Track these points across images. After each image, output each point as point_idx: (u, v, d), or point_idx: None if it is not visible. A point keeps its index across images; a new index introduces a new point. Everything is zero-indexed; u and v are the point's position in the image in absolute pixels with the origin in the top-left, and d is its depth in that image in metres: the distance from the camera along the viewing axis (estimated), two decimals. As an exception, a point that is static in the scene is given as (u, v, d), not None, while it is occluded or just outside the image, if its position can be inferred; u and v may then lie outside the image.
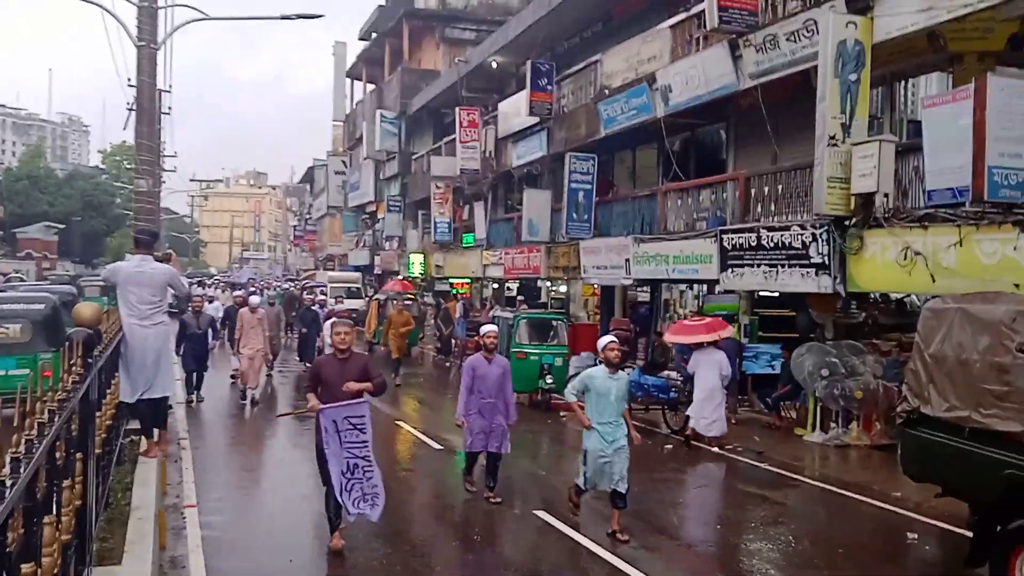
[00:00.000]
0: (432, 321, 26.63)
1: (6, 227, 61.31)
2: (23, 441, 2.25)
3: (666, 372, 14.32)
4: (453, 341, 22.99)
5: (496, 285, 26.86)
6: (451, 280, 29.21)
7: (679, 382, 13.52)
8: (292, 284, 40.07)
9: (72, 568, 3.39)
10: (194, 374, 14.24)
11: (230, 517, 7.63)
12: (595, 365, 15.30)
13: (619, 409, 7.41)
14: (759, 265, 12.47)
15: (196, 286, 30.47)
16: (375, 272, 37.46)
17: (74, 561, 3.46)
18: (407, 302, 21.25)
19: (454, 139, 25.49)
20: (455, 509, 8.54)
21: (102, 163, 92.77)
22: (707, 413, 11.76)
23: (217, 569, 6.10)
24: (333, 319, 7.11)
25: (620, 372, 7.60)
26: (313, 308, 19.40)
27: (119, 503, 5.32)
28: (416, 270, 31.02)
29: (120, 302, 6.64)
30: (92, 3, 12.08)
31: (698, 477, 10.53)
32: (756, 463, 10.93)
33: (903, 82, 12.99)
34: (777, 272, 12.09)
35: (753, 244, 12.58)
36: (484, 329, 9.04)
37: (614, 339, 7.69)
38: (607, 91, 17.13)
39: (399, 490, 8.74)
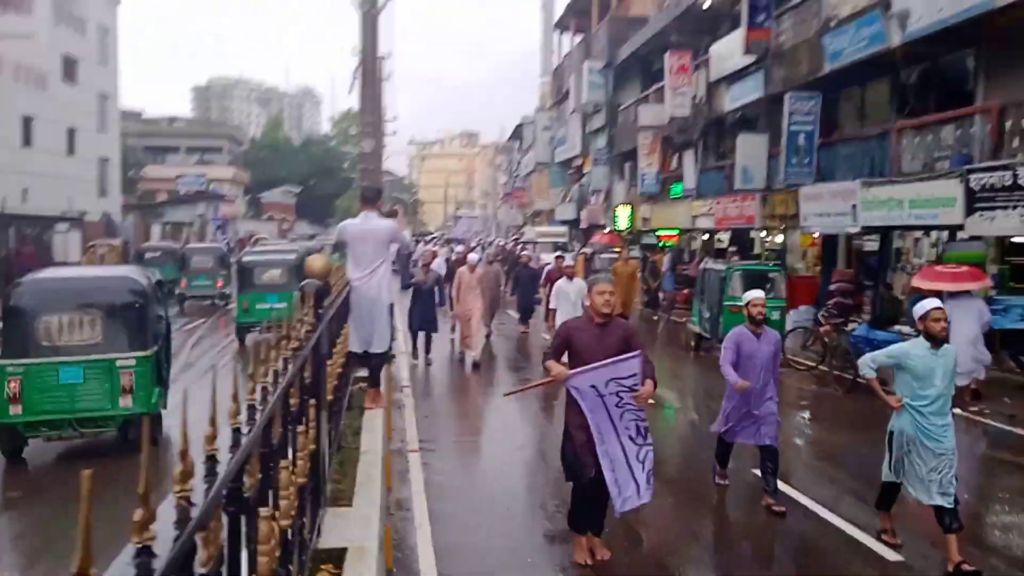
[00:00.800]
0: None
1: (252, 191, 67.88)
2: (258, 388, 2.34)
3: (897, 327, 13.17)
4: (660, 295, 22.54)
5: (706, 237, 25.96)
6: (658, 232, 28.59)
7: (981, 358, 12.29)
8: (507, 241, 40.48)
9: (308, 509, 3.59)
10: (420, 334, 13.49)
11: (450, 464, 7.95)
12: (821, 315, 14.56)
13: (948, 395, 5.65)
14: (1015, 207, 11.01)
15: (416, 240, 31.63)
16: (581, 226, 37.55)
17: (311, 502, 3.67)
18: (632, 255, 19.88)
19: (663, 86, 24.73)
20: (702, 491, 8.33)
21: (331, 130, 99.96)
22: (963, 361, 10.52)
23: (439, 512, 6.36)
24: (593, 277, 5.46)
25: (946, 346, 5.67)
26: (530, 266, 18.63)
27: (349, 447, 5.65)
28: (623, 223, 30.68)
29: (348, 257, 7.02)
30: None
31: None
32: (1008, 427, 9.81)
33: None
34: (1037, 215, 10.63)
35: (1008, 184, 11.12)
36: (749, 296, 7.00)
37: (939, 305, 5.69)
38: (833, 22, 15.74)
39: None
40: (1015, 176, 10.98)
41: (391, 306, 7.27)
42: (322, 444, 3.97)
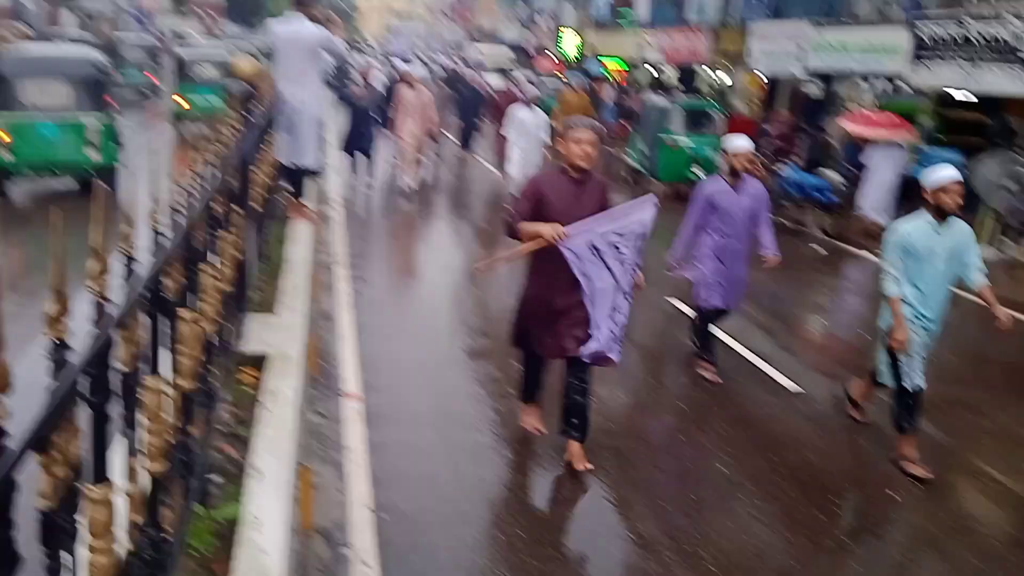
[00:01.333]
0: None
1: (175, -17, 62.77)
2: (184, 193, 2.26)
3: (821, 169, 13.43)
4: (603, 124, 22.35)
5: (653, 71, 25.48)
6: (604, 61, 27.92)
7: (841, 184, 12.69)
8: (453, 60, 38.48)
9: (232, 314, 3.60)
10: (357, 155, 12.61)
11: (377, 278, 8.03)
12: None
13: (948, 280, 4.96)
14: (957, 59, 11.06)
15: (354, 53, 29.78)
16: (526, 51, 36.30)
17: (234, 308, 3.67)
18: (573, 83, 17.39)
19: (622, -99, 23.29)
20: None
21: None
22: (876, 200, 11.57)
23: (364, 324, 6.49)
24: (572, 124, 4.33)
25: (956, 223, 4.83)
26: (477, 89, 16.96)
27: (274, 257, 5.60)
28: (569, 49, 29.76)
29: (275, 63, 6.62)
30: None
31: (846, 282, 10.11)
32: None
33: None
34: (979, 70, 10.71)
35: (953, 36, 11.10)
36: (733, 146, 6.03)
37: (958, 178, 4.78)
38: None
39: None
40: (961, 27, 10.94)
41: (320, 119, 6.96)
42: (247, 251, 3.92)
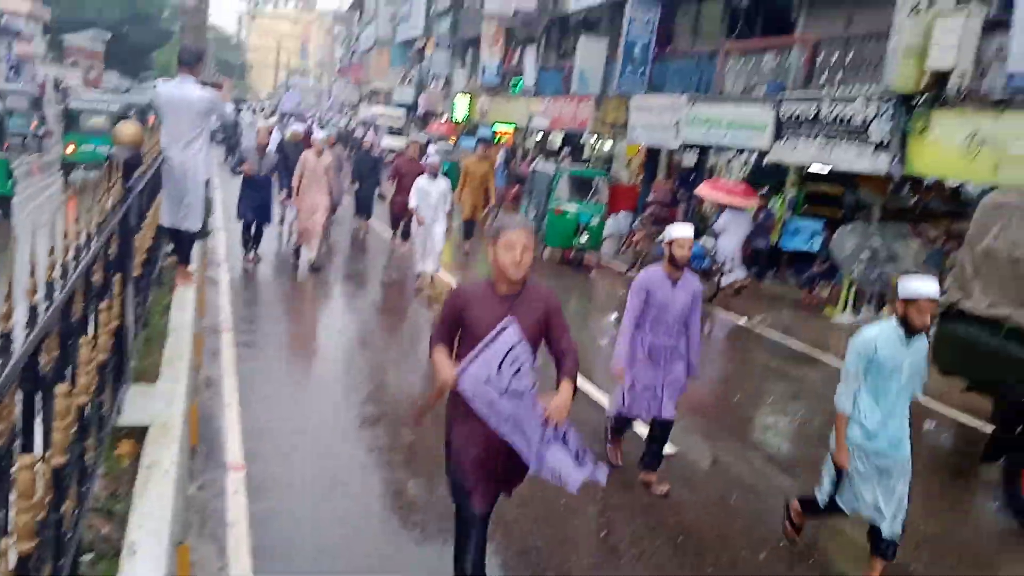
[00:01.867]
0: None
1: (53, 31, 60.65)
2: (58, 265, 2.26)
3: (703, 239, 14.20)
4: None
5: (540, 136, 26.33)
6: (495, 127, 28.67)
7: (714, 252, 13.42)
8: (345, 119, 38.06)
9: (110, 385, 3.52)
10: (251, 227, 11.53)
11: (264, 344, 7.88)
12: (636, 224, 15.43)
13: (909, 397, 4.50)
14: (815, 138, 12.00)
15: (237, 110, 29.24)
16: (419, 112, 36.85)
17: (112, 379, 3.59)
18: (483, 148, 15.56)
19: (511, -24, 24.28)
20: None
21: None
22: (731, 259, 12.89)
23: (249, 391, 6.35)
24: (502, 225, 3.41)
25: (921, 338, 4.40)
26: (372, 154, 16.30)
27: (157, 323, 5.48)
28: (461, 113, 30.42)
29: (162, 125, 6.57)
30: None
31: (721, 347, 10.61)
32: (780, 339, 10.96)
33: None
34: (833, 147, 11.65)
35: (812, 115, 12.06)
36: (675, 233, 5.35)
37: (935, 296, 4.27)
38: (678, -65, 16.01)
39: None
40: (819, 108, 11.90)
41: (207, 181, 6.90)
42: (127, 319, 3.84)
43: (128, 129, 3.84)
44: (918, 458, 4.65)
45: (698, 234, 14.62)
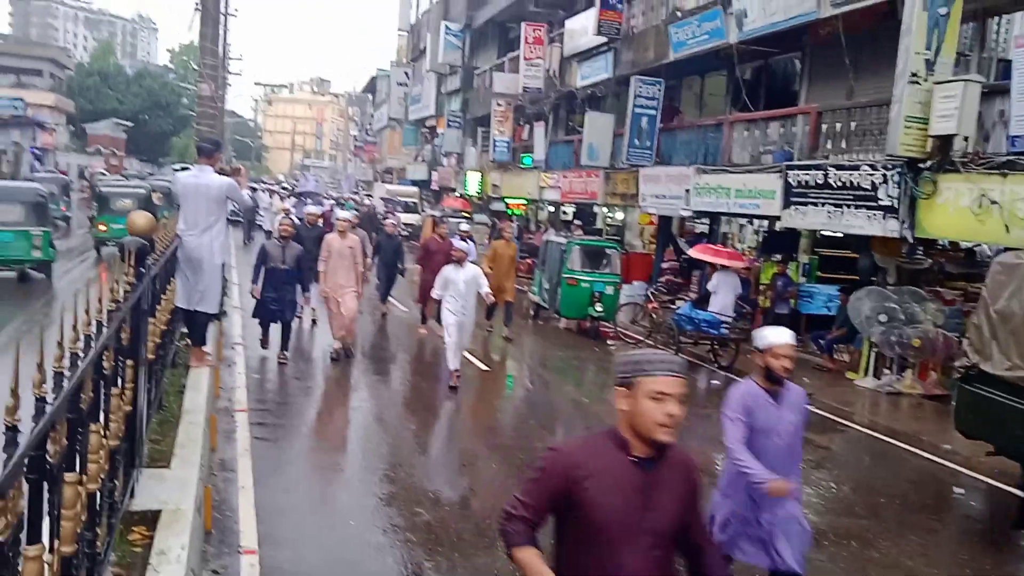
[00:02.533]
0: (485, 240, 26.63)
1: (76, 122, 62.67)
2: (67, 354, 2.28)
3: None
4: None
5: (552, 208, 26.65)
6: (507, 200, 29.06)
7: (730, 318, 13.39)
8: (360, 198, 38.06)
9: (121, 471, 3.51)
10: (272, 324, 10.25)
11: (280, 425, 7.83)
12: (651, 292, 15.53)
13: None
14: (824, 204, 12.07)
15: (251, 189, 29.47)
16: (432, 188, 37.46)
17: (123, 464, 3.58)
18: (505, 229, 15.63)
19: (518, 55, 24.94)
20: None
21: (170, 62, 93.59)
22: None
23: (264, 473, 6.30)
24: (646, 364, 2.50)
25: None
26: (395, 236, 15.25)
27: (171, 406, 5.49)
28: (473, 188, 30.90)
29: (181, 211, 6.74)
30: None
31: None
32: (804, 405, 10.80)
33: (996, 18, 12.19)
34: (843, 212, 11.70)
35: (820, 182, 12.15)
36: (770, 339, 4.08)
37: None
38: (679, 13, 16.46)
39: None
40: (826, 175, 12.00)
41: (224, 265, 7.02)
42: (139, 405, 3.86)
43: (140, 219, 3.93)
44: (947, 525, 4.53)
45: (708, 301, 14.66)
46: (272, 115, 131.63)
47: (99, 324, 2.71)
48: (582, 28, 21.30)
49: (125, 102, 68.08)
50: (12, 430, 1.68)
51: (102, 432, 2.81)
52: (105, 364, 2.91)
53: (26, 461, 1.82)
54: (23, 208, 15.17)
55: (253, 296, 10.13)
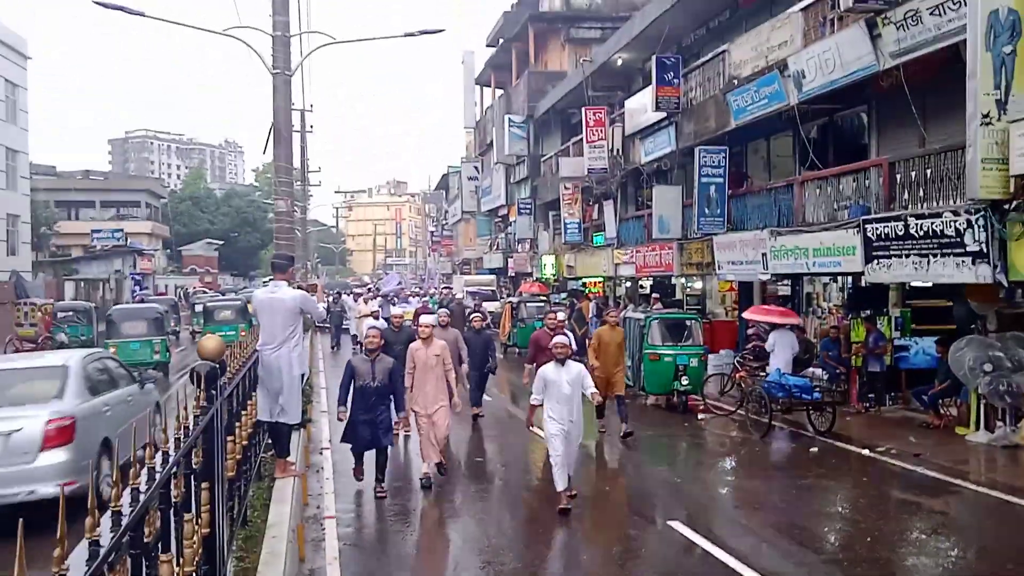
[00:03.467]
0: (565, 321, 26.54)
1: (172, 245, 66.38)
2: (128, 491, 2.33)
3: (810, 370, 13.67)
4: (587, 341, 22.79)
5: (629, 283, 26.50)
6: (583, 280, 29.08)
7: (824, 381, 12.86)
8: (446, 290, 36.79)
9: (201, 595, 3.53)
10: (365, 452, 8.90)
11: (368, 531, 7.78)
12: (738, 360, 15.10)
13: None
14: (908, 255, 11.61)
15: (334, 296, 29.80)
16: (509, 274, 37.88)
17: (204, 588, 3.60)
18: (610, 312, 13.67)
19: (581, 139, 25.35)
20: (591, 520, 8.37)
21: (255, 181, 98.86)
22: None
23: (352, 581, 6.25)
24: None
25: None
26: (483, 330, 13.79)
27: (256, 520, 5.55)
28: (548, 271, 31.11)
29: (259, 327, 6.99)
30: (229, 36, 12.82)
31: (847, 483, 9.90)
32: (912, 467, 10.19)
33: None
34: (929, 262, 11.21)
35: (900, 233, 11.73)
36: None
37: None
38: (736, 81, 16.49)
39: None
40: (906, 226, 11.59)
41: (303, 376, 7.19)
42: (218, 526, 3.91)
43: (210, 344, 4.08)
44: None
45: (805, 365, 14.14)
46: (353, 219, 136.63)
47: (165, 455, 2.77)
48: (641, 106, 21.55)
49: (216, 222, 71.97)
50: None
51: (173, 562, 2.84)
52: (174, 492, 2.97)
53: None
54: (146, 323, 19.95)
55: (340, 419, 8.80)
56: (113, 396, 9.11)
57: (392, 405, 8.83)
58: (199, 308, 27.68)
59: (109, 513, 2.17)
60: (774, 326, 14.31)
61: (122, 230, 53.42)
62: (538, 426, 8.83)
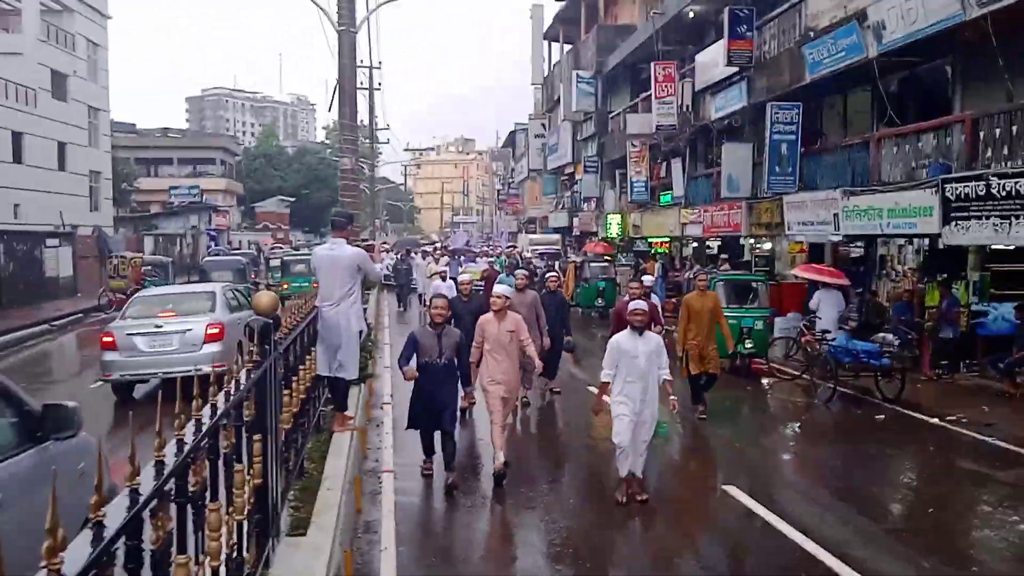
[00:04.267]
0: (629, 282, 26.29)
1: (246, 202, 68.01)
2: (175, 441, 2.40)
3: (881, 335, 13.25)
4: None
5: (696, 244, 26.06)
6: (649, 240, 28.70)
7: (895, 346, 12.46)
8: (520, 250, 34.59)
9: (254, 543, 3.65)
10: (432, 435, 7.74)
11: (425, 485, 7.87)
12: (804, 327, 14.75)
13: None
14: (989, 217, 11.09)
15: (401, 254, 30.54)
16: (574, 234, 37.64)
17: (257, 536, 3.72)
18: (700, 277, 11.50)
19: (650, 95, 24.82)
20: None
21: (326, 139, 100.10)
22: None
23: (407, 535, 6.39)
24: None
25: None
26: (559, 292, 12.27)
27: (313, 472, 5.70)
28: (614, 231, 30.78)
29: (319, 284, 7.12)
30: (295, -6, 12.89)
31: (914, 452, 9.63)
32: (984, 436, 9.85)
33: None
34: (1011, 224, 10.70)
35: (982, 193, 11.20)
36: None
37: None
38: (812, 33, 15.85)
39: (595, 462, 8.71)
40: (988, 186, 11.05)
41: (361, 332, 7.29)
42: (270, 477, 4.02)
43: (264, 299, 4.16)
44: None
45: (876, 329, 13.71)
46: (422, 178, 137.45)
47: (213, 407, 2.85)
48: (712, 60, 20.94)
49: (288, 179, 73.31)
50: (98, 525, 1.76)
51: (222, 511, 2.93)
52: (223, 444, 3.06)
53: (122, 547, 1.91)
54: (232, 272, 22.71)
55: (406, 379, 7.50)
56: (244, 313, 11.98)
57: (455, 383, 7.54)
58: (274, 263, 29.11)
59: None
60: (825, 286, 14.16)
61: (198, 187, 54.99)
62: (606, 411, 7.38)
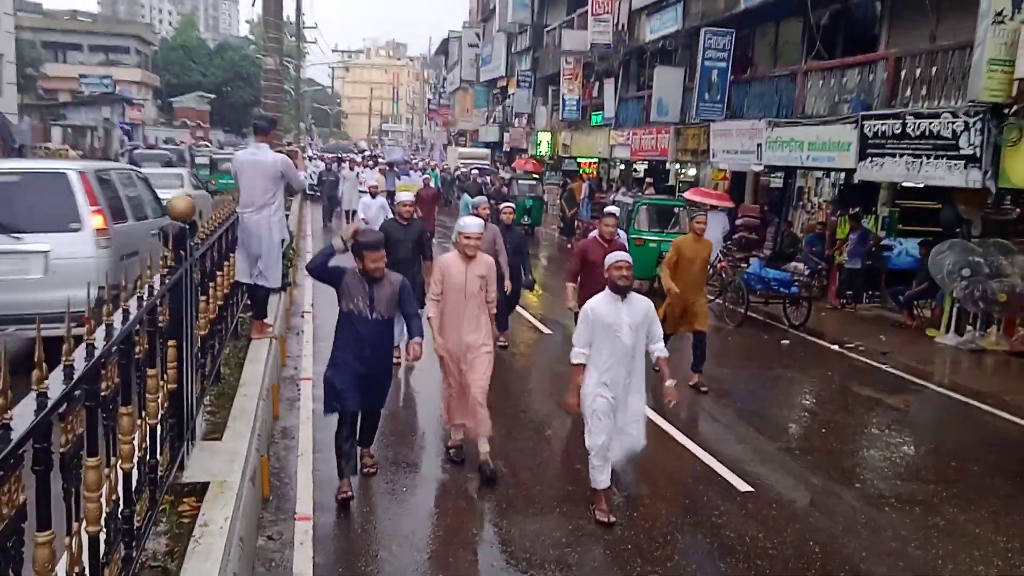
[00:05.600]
0: (556, 201, 26.45)
1: (162, 96, 64.85)
2: (83, 346, 2.38)
3: (792, 264, 13.78)
4: (576, 223, 22.80)
5: (623, 166, 26.25)
6: (578, 160, 28.76)
7: (804, 276, 12.98)
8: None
9: (168, 447, 3.67)
10: (357, 422, 5.62)
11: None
12: (722, 251, 15.19)
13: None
14: (902, 155, 11.51)
15: (327, 163, 30.22)
16: (504, 149, 37.40)
17: (170, 440, 3.74)
18: (698, 219, 9.02)
19: (587, 12, 24.47)
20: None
21: (250, 34, 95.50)
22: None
23: (323, 441, 6.47)
24: None
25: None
26: (514, 227, 10.17)
27: (230, 379, 5.69)
28: (544, 149, 30.72)
29: (239, 189, 6.92)
30: None
31: (813, 376, 10.19)
32: (879, 364, 10.47)
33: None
34: (921, 163, 11.14)
35: (897, 132, 11.58)
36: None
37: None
38: (749, -42, 15.80)
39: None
40: (903, 124, 11.42)
41: (283, 241, 7.17)
42: (185, 382, 4.01)
43: (180, 204, 4.05)
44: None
45: (789, 259, 14.24)
46: (350, 81, 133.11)
47: (124, 312, 2.81)
48: (650, -21, 20.70)
49: (208, 75, 70.01)
50: (4, 428, 1.76)
51: (135, 415, 2.93)
52: (137, 349, 3.03)
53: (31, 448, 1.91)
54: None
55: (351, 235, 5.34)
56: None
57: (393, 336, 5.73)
58: (201, 160, 30.01)
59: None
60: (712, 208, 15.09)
61: (111, 77, 52.06)
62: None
